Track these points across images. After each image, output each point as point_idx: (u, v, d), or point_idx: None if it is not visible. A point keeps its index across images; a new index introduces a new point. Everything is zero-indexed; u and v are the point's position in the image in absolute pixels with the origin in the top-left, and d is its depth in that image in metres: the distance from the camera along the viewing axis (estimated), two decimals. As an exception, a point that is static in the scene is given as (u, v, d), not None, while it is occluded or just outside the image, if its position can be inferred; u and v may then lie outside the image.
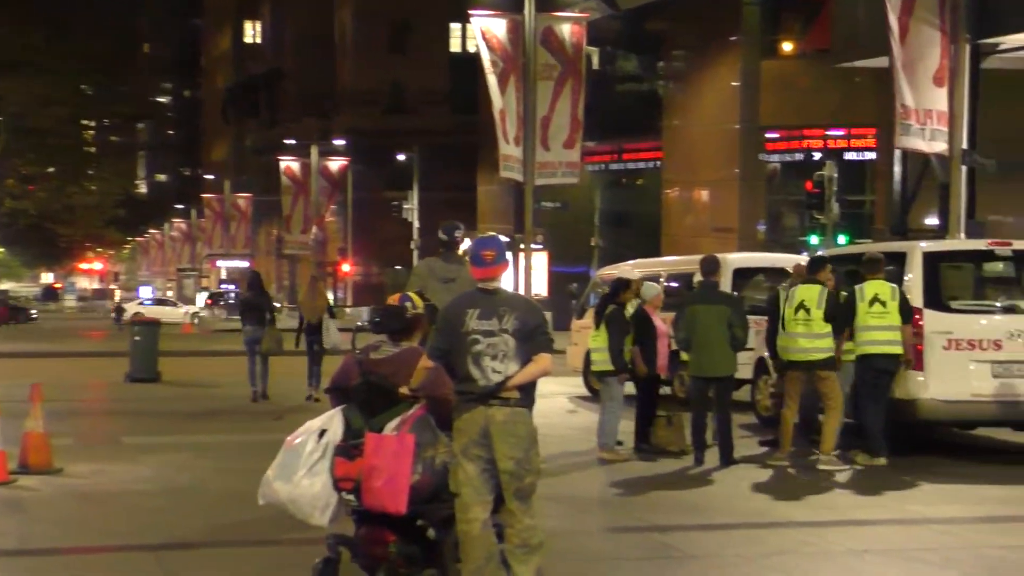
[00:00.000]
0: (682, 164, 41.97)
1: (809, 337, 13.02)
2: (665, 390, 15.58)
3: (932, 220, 27.66)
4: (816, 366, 13.01)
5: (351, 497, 7.63)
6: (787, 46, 40.20)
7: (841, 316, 13.06)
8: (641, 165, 47.18)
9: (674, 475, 12.72)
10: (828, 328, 12.99)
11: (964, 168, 20.97)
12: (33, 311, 68.91)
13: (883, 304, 13.00)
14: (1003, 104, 27.46)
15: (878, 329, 13.00)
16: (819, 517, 10.54)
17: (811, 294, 13.10)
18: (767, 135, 39.44)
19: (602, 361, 13.74)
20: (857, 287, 13.23)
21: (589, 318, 17.53)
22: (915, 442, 13.09)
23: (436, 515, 7.73)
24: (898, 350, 13.01)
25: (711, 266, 13.59)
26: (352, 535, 7.85)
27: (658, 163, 44.60)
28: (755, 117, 39.26)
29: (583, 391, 20.02)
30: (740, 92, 39.37)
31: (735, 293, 16.61)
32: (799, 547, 9.41)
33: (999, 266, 15.16)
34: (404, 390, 7.65)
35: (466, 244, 8.39)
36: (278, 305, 31.72)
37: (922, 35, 19.18)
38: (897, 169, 26.91)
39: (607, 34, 45.49)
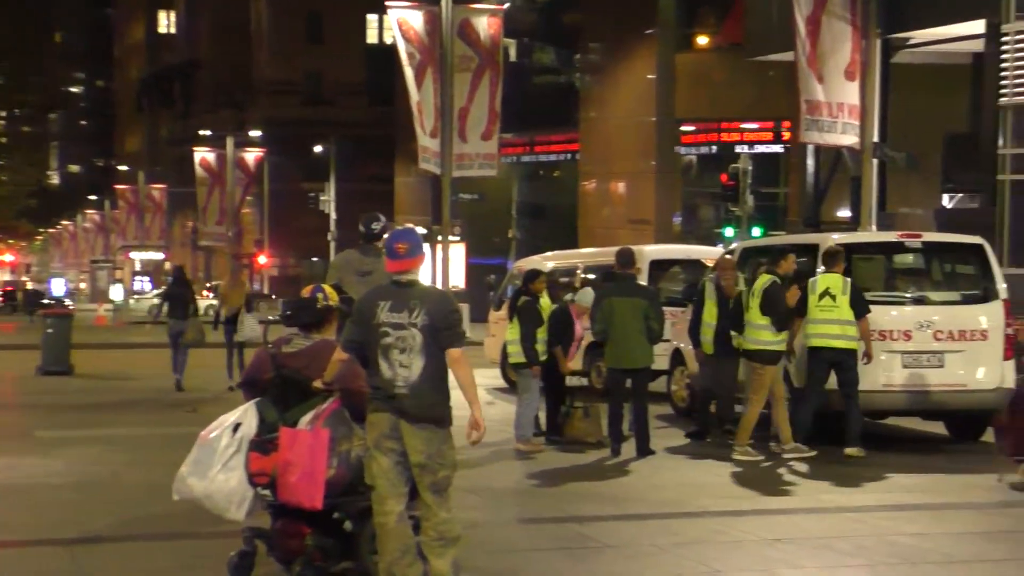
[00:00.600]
0: (599, 156, 42.15)
1: (833, 323, 13.08)
2: (582, 381, 15.64)
3: (844, 212, 28.07)
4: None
5: (267, 492, 7.60)
6: (702, 40, 40.50)
7: (781, 309, 13.14)
8: (558, 157, 47.30)
9: (591, 466, 12.79)
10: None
11: (875, 161, 21.29)
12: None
13: (833, 298, 13.04)
14: (913, 98, 27.88)
15: (826, 322, 13.07)
16: (734, 507, 10.64)
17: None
18: (683, 128, 39.72)
19: (517, 353, 13.79)
20: (810, 280, 13.28)
21: (506, 309, 17.57)
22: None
23: (353, 507, 7.72)
24: (845, 344, 13.07)
25: (626, 258, 13.66)
26: (268, 528, 7.82)
27: (575, 155, 44.75)
28: (671, 110, 39.52)
29: (501, 383, 20.06)
30: (656, 85, 39.62)
31: (651, 285, 16.71)
32: (713, 536, 9.50)
33: (909, 258, 15.40)
34: (318, 383, 7.62)
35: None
36: (210, 297, 31.63)
37: (834, 30, 19.43)
38: (810, 162, 27.29)
39: (524, 26, 45.54)
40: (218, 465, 7.57)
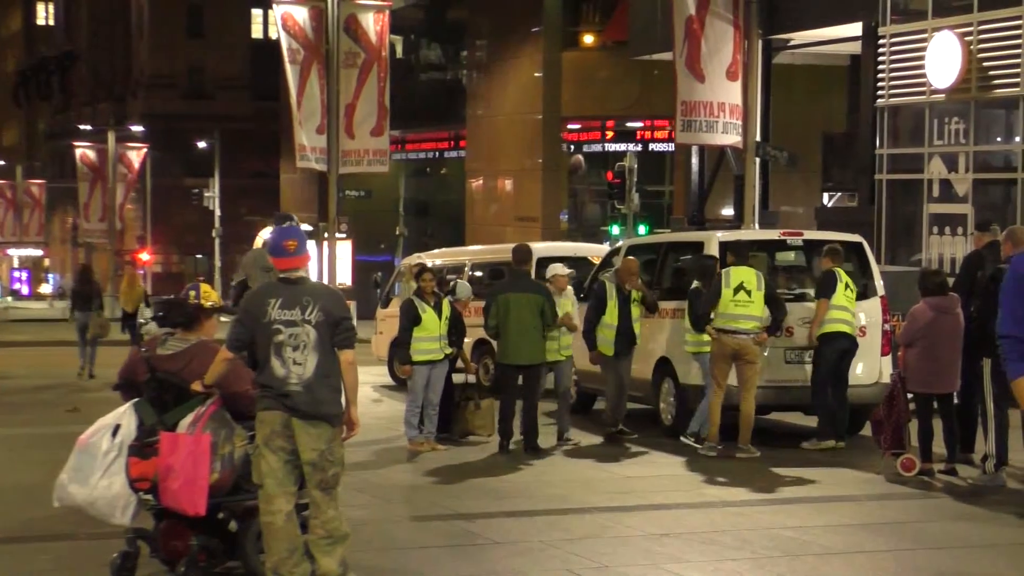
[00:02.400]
0: (486, 153, 42.20)
1: (747, 319, 13.09)
2: (469, 378, 15.65)
3: (728, 210, 28.45)
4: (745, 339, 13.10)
5: (149, 497, 7.52)
6: (588, 38, 40.73)
7: (699, 303, 13.25)
8: (445, 154, 47.25)
9: (480, 463, 12.82)
10: (763, 313, 13.08)
11: (758, 160, 21.61)
12: None
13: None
14: (794, 98, 28.37)
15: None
16: (620, 503, 10.75)
17: (750, 276, 13.12)
18: (569, 125, 39.92)
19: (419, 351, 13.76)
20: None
21: (394, 307, 17.53)
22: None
23: (238, 507, 7.67)
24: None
25: (522, 255, 13.67)
26: (151, 529, 7.73)
27: (462, 152, 44.75)
28: (557, 107, 39.69)
29: (388, 380, 19.99)
30: (542, 82, 39.75)
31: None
32: (601, 532, 9.59)
33: (791, 255, 15.65)
34: (196, 386, 7.53)
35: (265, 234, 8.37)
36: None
37: (717, 30, 19.69)
38: (694, 161, 27.63)
39: (410, 23, 45.44)
40: (99, 471, 7.46)
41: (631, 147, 37.55)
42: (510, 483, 11.81)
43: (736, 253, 13.45)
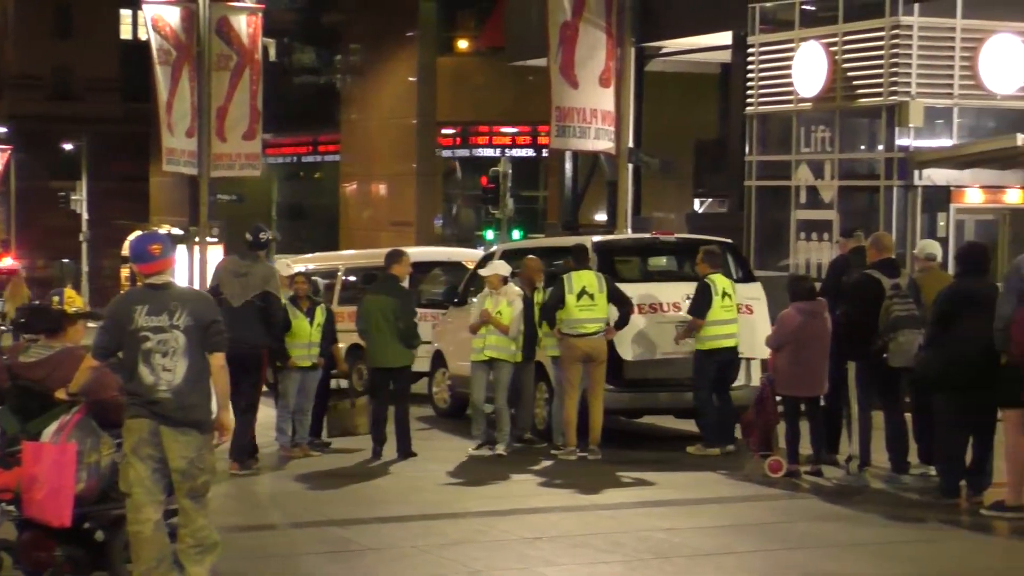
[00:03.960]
0: (360, 158, 42.04)
1: (593, 322, 13.15)
2: (343, 383, 15.57)
3: (601, 215, 28.70)
4: (595, 341, 13.17)
5: (11, 508, 7.36)
6: (463, 43, 40.81)
7: (545, 308, 13.30)
8: (319, 158, 46.97)
9: (353, 469, 12.74)
10: (606, 314, 13.14)
11: (630, 166, 21.81)
12: None
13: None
14: (666, 105, 28.72)
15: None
16: (494, 507, 10.78)
17: (591, 280, 13.16)
18: (443, 131, 39.95)
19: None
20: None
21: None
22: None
23: (105, 516, 7.54)
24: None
25: (390, 258, 13.59)
26: (14, 540, 7.56)
27: (337, 156, 44.52)
28: (432, 112, 39.69)
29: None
30: (417, 87, 39.73)
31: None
32: (475, 536, 9.61)
33: (663, 260, 15.83)
34: (61, 394, 7.38)
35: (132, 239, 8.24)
36: None
37: (590, 37, 19.81)
38: (568, 166, 27.82)
39: (284, 25, 45.08)
40: (-40, 481, 7.29)
41: (506, 152, 37.73)
42: (384, 489, 11.78)
43: (577, 258, 13.55)
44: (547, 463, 12.94)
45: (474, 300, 14.35)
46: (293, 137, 46.00)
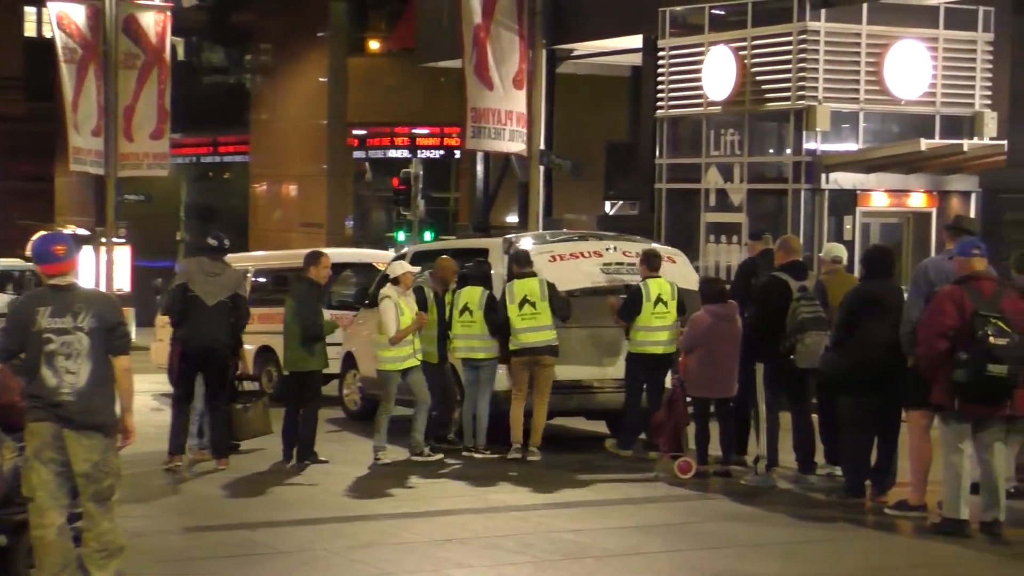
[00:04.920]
0: (270, 158, 41.74)
1: (537, 330, 13.17)
2: (253, 385, 15.42)
3: (513, 217, 28.74)
4: (542, 351, 13.16)
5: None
6: (374, 44, 40.67)
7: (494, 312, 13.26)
8: (229, 158, 46.54)
9: (263, 472, 12.64)
10: (551, 321, 13.11)
11: (542, 168, 21.89)
12: None
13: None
14: (578, 107, 28.83)
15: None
16: (404, 509, 10.76)
17: (532, 287, 13.12)
18: (354, 131, 39.79)
19: None
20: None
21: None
22: (502, 434, 13.52)
23: (8, 521, 7.41)
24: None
25: (307, 260, 13.42)
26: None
27: (246, 157, 44.16)
28: (342, 113, 39.50)
29: (168, 388, 19.56)
30: (328, 88, 39.54)
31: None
32: (385, 539, 9.58)
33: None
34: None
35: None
36: None
37: (502, 40, 19.88)
38: (479, 168, 27.82)
39: (193, 24, 44.59)
40: None
41: (417, 154, 37.66)
42: (294, 492, 11.70)
43: (518, 262, 13.39)
44: (458, 465, 12.93)
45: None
46: (202, 137, 45.53)
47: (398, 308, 13.03)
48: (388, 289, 13.15)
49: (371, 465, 12.90)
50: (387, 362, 13.12)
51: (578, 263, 13.88)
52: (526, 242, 14.25)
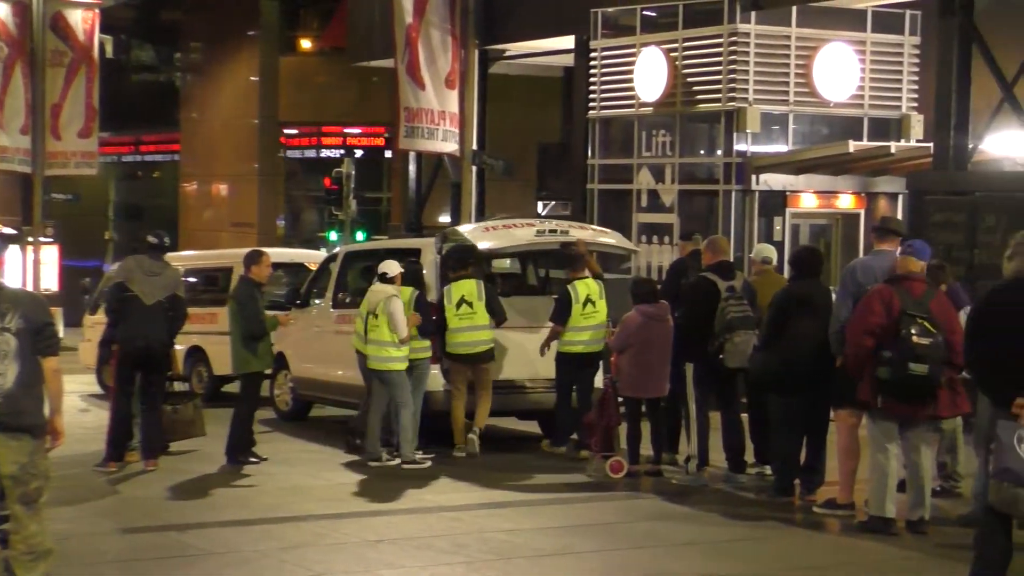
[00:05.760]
0: (201, 158, 41.43)
1: (473, 330, 13.21)
2: (183, 386, 15.31)
3: (445, 217, 28.73)
4: (480, 358, 13.25)
5: None
6: (306, 43, 40.49)
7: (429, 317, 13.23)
8: (159, 157, 46.16)
9: (194, 473, 12.54)
10: (487, 321, 13.21)
11: (474, 168, 21.89)
12: None
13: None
14: (510, 107, 28.88)
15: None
16: (336, 510, 10.72)
17: (470, 288, 13.18)
18: (286, 131, 39.60)
19: None
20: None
21: (103, 313, 16.99)
22: (439, 435, 13.52)
23: (-68, 525, 7.30)
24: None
25: (247, 260, 13.30)
26: None
27: (176, 156, 43.81)
28: (274, 112, 39.29)
29: (96, 389, 19.37)
30: (259, 87, 39.32)
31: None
32: (316, 540, 9.55)
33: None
34: None
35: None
36: None
37: (434, 39, 19.86)
38: (412, 168, 27.77)
39: (122, 22, 44.14)
40: None
41: (350, 153, 37.55)
42: (224, 493, 11.63)
43: (456, 265, 13.43)
44: (391, 466, 12.90)
45: (349, 300, 14.37)
46: (131, 136, 45.12)
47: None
48: (390, 288, 12.98)
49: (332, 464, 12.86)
50: (397, 362, 12.91)
51: (511, 230, 14.30)
52: (464, 228, 14.57)
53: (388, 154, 37.57)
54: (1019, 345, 7.27)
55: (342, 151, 37.91)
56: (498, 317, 13.39)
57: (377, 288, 13.02)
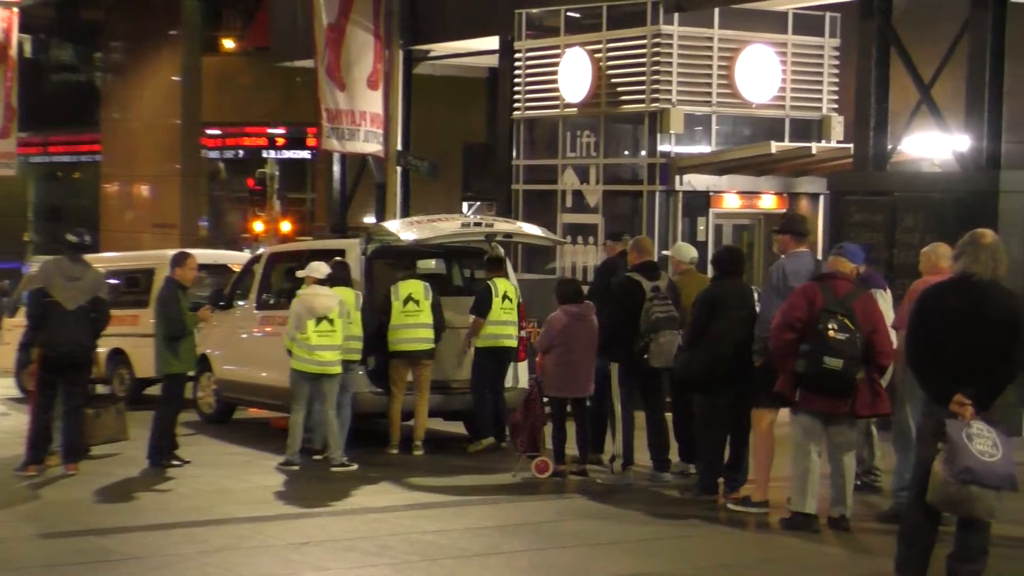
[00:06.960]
0: (122, 158, 41.03)
1: (416, 327, 13.43)
2: (105, 389, 15.14)
3: (370, 218, 28.64)
4: (422, 355, 13.48)
5: None
6: (228, 43, 40.23)
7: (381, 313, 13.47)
8: (79, 158, 45.65)
9: (115, 477, 12.39)
10: (431, 320, 13.47)
11: (399, 168, 21.86)
12: None
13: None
14: (435, 108, 28.85)
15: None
16: (260, 512, 10.65)
17: (417, 288, 13.48)
18: (209, 131, 39.31)
19: None
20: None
21: (22, 316, 16.76)
22: (372, 435, 13.47)
23: None
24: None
25: (172, 262, 13.18)
26: None
27: (97, 156, 43.35)
28: (196, 113, 39.00)
29: (15, 392, 19.10)
30: (181, 87, 39.01)
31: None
32: (239, 543, 9.47)
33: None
34: None
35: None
36: None
37: (357, 39, 19.83)
38: (336, 168, 27.65)
39: (41, 22, 43.64)
40: None
41: (273, 154, 37.33)
42: (147, 496, 11.51)
43: (405, 265, 13.88)
44: (320, 466, 12.83)
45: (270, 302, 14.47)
46: (51, 136, 44.59)
47: None
48: (331, 291, 12.94)
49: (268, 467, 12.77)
50: (338, 366, 13.00)
51: (437, 223, 14.50)
52: (389, 224, 14.89)
53: (312, 155, 37.42)
54: (962, 342, 7.40)
55: (266, 151, 37.69)
56: (438, 325, 13.67)
57: (321, 292, 12.90)
